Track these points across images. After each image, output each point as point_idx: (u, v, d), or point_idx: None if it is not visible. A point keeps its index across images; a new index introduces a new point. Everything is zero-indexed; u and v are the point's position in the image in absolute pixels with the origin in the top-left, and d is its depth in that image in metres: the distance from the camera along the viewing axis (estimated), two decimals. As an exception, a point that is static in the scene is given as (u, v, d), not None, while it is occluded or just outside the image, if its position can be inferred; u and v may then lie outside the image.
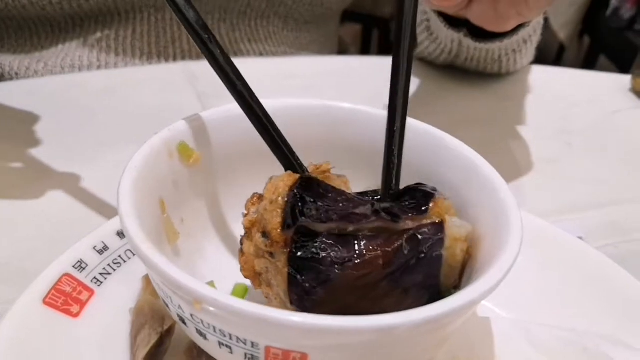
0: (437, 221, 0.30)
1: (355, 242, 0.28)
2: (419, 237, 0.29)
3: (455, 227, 0.30)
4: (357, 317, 0.24)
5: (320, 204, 0.29)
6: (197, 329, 0.28)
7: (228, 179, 0.38)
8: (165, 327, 0.33)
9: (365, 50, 1.38)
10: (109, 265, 0.37)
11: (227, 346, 0.27)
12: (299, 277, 0.28)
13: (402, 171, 0.35)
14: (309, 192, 0.30)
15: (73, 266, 0.36)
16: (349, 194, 0.32)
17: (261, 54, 0.81)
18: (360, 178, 0.36)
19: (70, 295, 0.35)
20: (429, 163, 0.37)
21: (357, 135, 0.39)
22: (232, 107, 0.37)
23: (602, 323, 0.37)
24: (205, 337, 0.28)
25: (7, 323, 0.32)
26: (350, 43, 1.04)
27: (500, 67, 0.71)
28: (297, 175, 0.31)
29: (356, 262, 0.28)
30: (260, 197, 0.32)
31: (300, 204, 0.29)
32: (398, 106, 0.34)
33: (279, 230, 0.29)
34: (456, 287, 0.31)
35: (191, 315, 0.27)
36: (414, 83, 0.72)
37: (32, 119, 0.59)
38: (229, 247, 0.38)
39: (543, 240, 0.41)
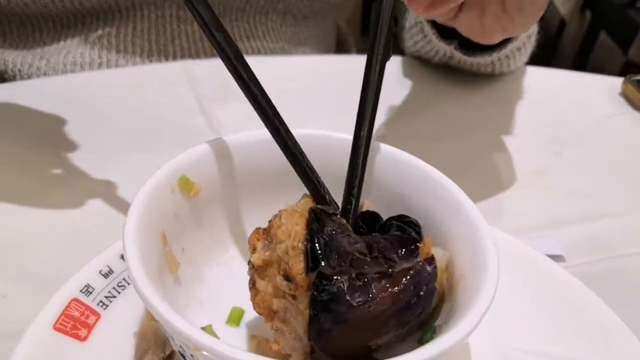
0: (430, 256, 0.33)
1: (368, 285, 0.31)
2: (420, 276, 0.32)
3: (440, 260, 0.34)
4: None
5: (334, 245, 0.32)
6: None
7: (227, 208, 0.40)
8: (167, 352, 0.36)
9: (364, 31, 1.38)
10: (114, 288, 0.40)
11: (226, 383, 0.30)
12: (320, 318, 0.31)
13: (385, 199, 0.38)
14: (322, 233, 0.32)
15: (80, 291, 0.39)
16: (347, 226, 0.35)
17: (259, 51, 0.83)
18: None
19: (78, 320, 0.38)
20: (410, 194, 0.39)
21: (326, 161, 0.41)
22: (232, 138, 0.39)
23: (576, 348, 0.39)
24: None
25: (21, 350, 0.35)
26: (348, 33, 1.04)
27: (494, 70, 0.72)
28: (306, 215, 0.34)
29: (371, 304, 0.31)
30: (265, 232, 0.34)
31: (318, 248, 0.32)
32: (362, 138, 0.37)
33: (303, 275, 0.31)
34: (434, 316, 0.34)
35: (192, 355, 0.30)
36: (407, 83, 0.73)
37: (34, 120, 0.61)
38: (227, 273, 0.40)
39: (520, 263, 0.44)
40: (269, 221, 0.35)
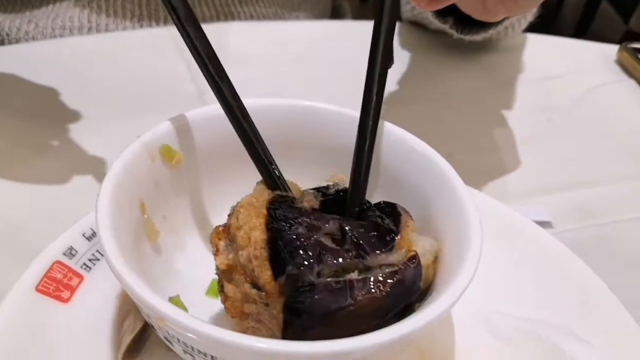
0: (412, 254, 0.32)
1: (346, 289, 0.30)
2: (403, 282, 0.31)
3: (426, 255, 0.32)
4: (311, 342, 0.26)
5: (297, 242, 0.31)
6: (164, 336, 0.30)
7: (210, 177, 0.40)
8: (149, 315, 0.36)
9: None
10: (97, 250, 0.40)
11: (190, 354, 0.30)
12: (295, 322, 0.30)
13: (374, 175, 0.37)
14: (283, 232, 0.31)
15: (63, 253, 0.39)
16: (314, 214, 0.33)
17: (252, 16, 0.81)
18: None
19: (61, 282, 0.38)
20: (400, 168, 0.38)
21: (328, 136, 0.40)
22: (215, 107, 0.38)
23: (558, 314, 0.39)
24: (171, 343, 0.30)
25: (3, 310, 0.35)
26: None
27: (491, 40, 0.71)
28: (264, 211, 0.32)
29: (349, 309, 0.30)
30: (225, 231, 0.33)
31: (281, 250, 0.30)
32: (367, 127, 0.36)
33: (272, 283, 0.30)
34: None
35: (159, 326, 0.30)
36: (401, 49, 0.72)
37: (21, 86, 0.60)
38: (209, 242, 0.40)
39: (507, 229, 0.44)
40: (228, 215, 0.34)
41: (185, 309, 0.34)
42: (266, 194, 0.33)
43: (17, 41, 0.73)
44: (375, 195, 0.39)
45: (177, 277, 0.38)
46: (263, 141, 0.36)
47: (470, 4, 0.48)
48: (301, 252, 0.30)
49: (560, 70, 0.72)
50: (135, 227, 0.34)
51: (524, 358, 0.37)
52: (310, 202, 0.35)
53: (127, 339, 0.35)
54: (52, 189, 0.49)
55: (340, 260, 0.30)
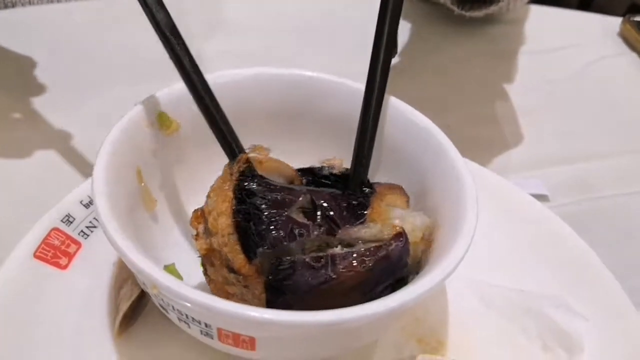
0: (399, 230, 0.31)
1: (329, 265, 0.30)
2: (390, 257, 0.31)
3: (416, 231, 0.32)
4: (300, 312, 0.27)
5: (266, 222, 0.31)
6: (159, 303, 0.31)
7: (207, 146, 0.39)
8: (147, 282, 0.36)
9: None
10: (95, 218, 0.40)
11: (184, 322, 0.30)
12: (277, 300, 0.30)
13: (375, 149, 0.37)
14: (250, 215, 0.31)
15: (61, 220, 0.39)
16: (284, 189, 0.33)
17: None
18: (328, 149, 0.38)
19: (59, 249, 0.38)
20: (399, 141, 0.38)
21: (330, 108, 0.40)
22: (212, 77, 0.38)
23: (551, 286, 0.40)
24: (166, 311, 0.31)
25: (1, 277, 0.35)
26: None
27: (493, 20, 0.71)
28: (230, 193, 0.32)
29: (331, 284, 0.29)
30: (202, 214, 0.33)
31: (251, 233, 0.30)
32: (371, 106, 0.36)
33: (246, 266, 0.30)
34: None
35: (152, 293, 0.30)
36: (403, 23, 0.71)
37: (15, 55, 0.60)
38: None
39: (502, 201, 0.44)
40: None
41: (180, 277, 0.34)
42: (234, 175, 0.33)
43: (13, 5, 0.72)
44: (374, 170, 0.39)
45: (174, 246, 0.38)
46: (225, 117, 0.35)
47: None
48: (272, 231, 0.30)
49: (563, 43, 0.71)
50: (132, 194, 0.34)
51: (516, 328, 0.38)
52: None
53: (124, 306, 0.35)
54: (46, 155, 0.49)
55: (315, 233, 0.31)
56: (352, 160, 0.36)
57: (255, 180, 0.33)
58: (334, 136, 0.40)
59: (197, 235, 0.32)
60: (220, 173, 0.34)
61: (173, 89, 0.38)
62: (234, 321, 0.27)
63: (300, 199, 0.32)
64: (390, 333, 0.37)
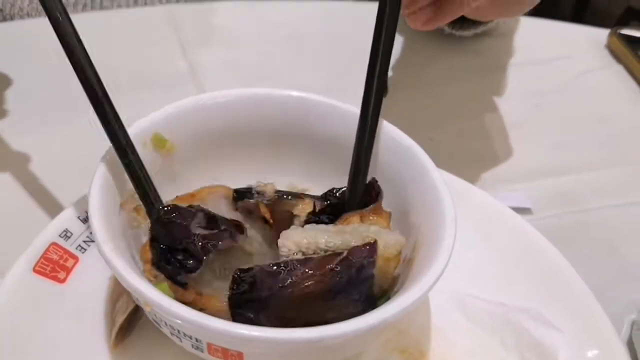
0: (369, 241, 0.33)
1: (290, 270, 0.31)
2: (352, 259, 0.32)
3: (389, 247, 0.34)
4: (285, 330, 0.28)
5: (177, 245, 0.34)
6: (152, 318, 0.33)
7: (201, 165, 0.41)
8: (141, 295, 0.38)
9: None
10: (92, 233, 0.41)
11: (176, 336, 0.32)
12: (241, 313, 0.31)
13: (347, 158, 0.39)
14: (162, 249, 0.34)
15: (59, 235, 0.40)
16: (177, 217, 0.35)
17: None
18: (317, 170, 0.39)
19: (57, 263, 0.39)
20: (384, 161, 0.40)
21: (320, 128, 0.42)
22: (208, 96, 0.40)
23: (529, 298, 0.41)
24: (159, 325, 0.33)
25: (1, 291, 0.37)
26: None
27: (482, 34, 0.72)
28: (148, 248, 0.35)
29: (289, 290, 0.31)
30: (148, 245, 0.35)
31: (171, 260, 0.34)
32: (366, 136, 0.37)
33: (184, 293, 0.33)
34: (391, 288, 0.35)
35: (145, 309, 0.32)
36: (396, 38, 0.73)
37: (14, 63, 0.61)
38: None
39: (482, 215, 0.46)
40: None
41: (171, 295, 0.35)
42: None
43: (12, 18, 0.74)
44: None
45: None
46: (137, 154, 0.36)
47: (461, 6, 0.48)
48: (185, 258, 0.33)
49: (550, 55, 0.73)
50: (127, 213, 0.36)
51: (496, 340, 0.40)
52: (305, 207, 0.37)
53: (120, 319, 0.37)
54: (45, 165, 0.50)
55: (226, 236, 0.33)
56: (349, 182, 0.37)
57: (158, 225, 0.35)
58: (323, 156, 0.41)
59: (144, 270, 0.35)
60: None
61: (166, 109, 0.39)
62: (222, 337, 0.29)
63: (196, 218, 0.34)
64: (375, 347, 0.38)
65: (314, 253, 0.33)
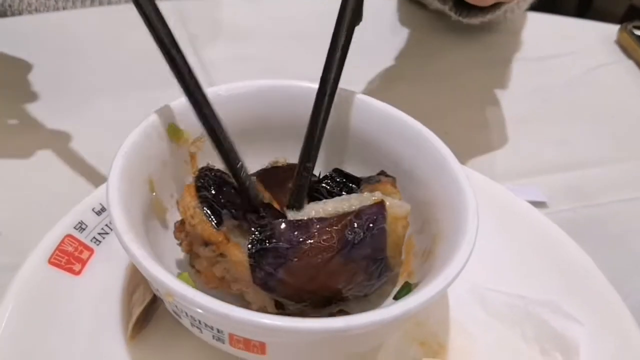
0: (377, 201, 0.34)
1: (307, 225, 0.32)
2: (364, 215, 0.33)
3: (395, 207, 0.34)
4: (309, 319, 0.28)
5: (222, 195, 0.34)
6: (172, 310, 0.32)
7: (215, 155, 0.41)
8: (158, 287, 0.38)
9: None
10: (106, 225, 0.41)
11: (197, 327, 0.31)
12: (260, 264, 0.32)
13: (369, 153, 0.40)
14: (210, 189, 0.34)
15: (74, 227, 0.40)
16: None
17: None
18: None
19: (72, 255, 0.39)
20: (397, 149, 0.40)
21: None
22: (221, 88, 0.39)
23: (548, 291, 0.41)
24: (179, 317, 0.32)
25: (17, 282, 0.36)
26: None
27: (491, 28, 0.72)
28: (192, 187, 0.35)
29: (309, 242, 0.32)
30: (181, 223, 0.35)
31: (214, 201, 0.33)
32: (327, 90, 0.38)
33: (214, 232, 0.32)
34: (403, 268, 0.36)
35: (166, 300, 0.31)
36: (399, 27, 0.73)
37: (17, 63, 0.60)
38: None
39: (500, 208, 0.45)
40: None
41: (193, 285, 0.35)
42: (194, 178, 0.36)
43: (20, 13, 0.73)
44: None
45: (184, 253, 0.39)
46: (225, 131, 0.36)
47: None
48: (229, 202, 0.34)
49: (560, 50, 0.73)
50: (145, 203, 0.36)
51: (515, 333, 0.39)
52: None
53: (137, 310, 0.36)
54: (60, 159, 0.50)
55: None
56: (304, 142, 0.37)
57: (212, 173, 0.36)
58: (337, 146, 0.41)
59: (180, 242, 0.35)
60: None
61: (182, 101, 0.39)
62: (245, 327, 0.29)
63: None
64: (393, 338, 0.38)
65: None
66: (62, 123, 0.54)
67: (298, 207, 0.35)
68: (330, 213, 0.34)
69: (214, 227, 0.33)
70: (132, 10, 0.73)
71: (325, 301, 0.34)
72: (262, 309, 0.33)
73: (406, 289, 0.35)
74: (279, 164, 0.40)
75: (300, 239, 0.32)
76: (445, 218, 0.36)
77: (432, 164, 0.38)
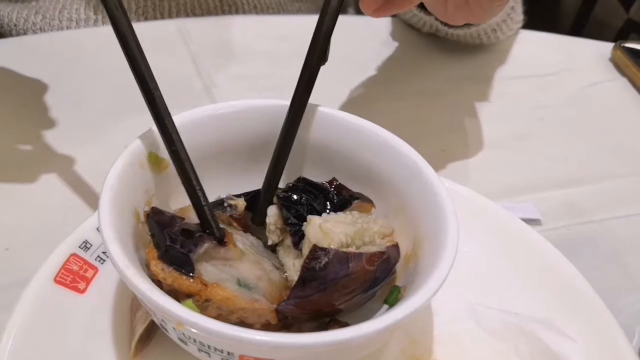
0: (395, 243, 0.37)
1: (347, 259, 0.34)
2: (391, 257, 0.36)
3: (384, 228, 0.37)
4: (318, 333, 0.29)
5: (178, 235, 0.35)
6: (178, 337, 0.33)
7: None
8: (161, 305, 0.39)
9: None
10: (110, 259, 0.42)
11: (205, 352, 0.32)
12: (306, 286, 0.33)
13: (351, 169, 0.42)
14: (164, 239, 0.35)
15: (79, 246, 0.41)
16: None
17: (255, 7, 0.83)
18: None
19: (77, 274, 0.40)
20: (374, 162, 0.41)
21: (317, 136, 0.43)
22: (197, 112, 0.40)
23: (543, 309, 0.42)
24: (185, 343, 0.33)
25: (24, 300, 0.37)
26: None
27: (482, 41, 0.73)
28: (151, 247, 0.35)
29: (351, 277, 0.34)
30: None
31: (174, 249, 0.35)
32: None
33: (191, 284, 0.34)
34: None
35: (173, 328, 0.32)
36: (393, 45, 0.74)
37: (25, 77, 0.62)
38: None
39: (494, 226, 0.46)
40: None
41: (198, 311, 0.35)
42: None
43: (25, 32, 0.75)
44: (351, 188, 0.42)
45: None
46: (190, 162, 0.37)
47: (432, 6, 0.50)
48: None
49: (555, 68, 0.74)
50: (134, 234, 0.36)
51: (509, 350, 0.40)
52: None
53: (140, 328, 0.37)
54: (63, 177, 0.51)
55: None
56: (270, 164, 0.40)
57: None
58: (320, 164, 0.43)
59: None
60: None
61: (154, 129, 0.39)
62: (259, 348, 0.30)
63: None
64: (389, 355, 0.39)
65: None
66: (68, 142, 0.55)
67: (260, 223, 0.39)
68: (338, 234, 0.36)
69: (189, 278, 0.33)
70: (136, 30, 0.75)
71: (323, 314, 0.36)
72: (265, 326, 0.34)
73: (395, 292, 0.37)
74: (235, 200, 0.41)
75: (342, 274, 0.33)
76: (423, 220, 0.37)
77: (402, 169, 0.40)
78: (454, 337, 0.41)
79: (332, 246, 0.34)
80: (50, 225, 0.46)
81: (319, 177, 0.42)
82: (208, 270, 0.34)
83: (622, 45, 0.75)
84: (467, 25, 0.64)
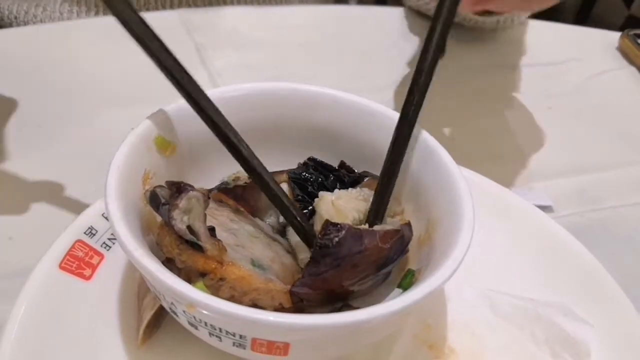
0: (407, 221, 0.36)
1: (361, 236, 0.33)
2: (405, 235, 0.35)
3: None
4: (333, 315, 0.28)
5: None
6: (188, 322, 0.32)
7: (203, 163, 0.40)
8: (168, 292, 0.38)
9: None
10: (118, 241, 0.41)
11: (216, 336, 0.31)
12: (321, 261, 0.32)
13: (359, 152, 0.41)
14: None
15: (84, 232, 0.40)
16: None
17: (257, -3, 0.82)
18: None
19: (82, 260, 0.39)
20: (385, 145, 0.39)
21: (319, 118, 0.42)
22: (209, 94, 0.39)
23: (558, 294, 0.41)
24: (196, 328, 0.32)
25: (29, 287, 0.36)
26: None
27: (497, 25, 0.72)
28: (163, 222, 0.34)
29: (365, 254, 0.33)
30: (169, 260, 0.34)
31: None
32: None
33: (206, 261, 0.32)
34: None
35: (183, 311, 0.31)
36: (405, 35, 0.73)
37: (25, 68, 0.61)
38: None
39: (509, 212, 0.46)
40: None
41: (210, 293, 0.34)
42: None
43: (25, 24, 0.74)
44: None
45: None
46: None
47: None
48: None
49: (563, 57, 0.73)
50: (141, 217, 0.35)
51: (526, 336, 0.39)
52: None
53: (148, 315, 0.36)
54: (66, 166, 0.51)
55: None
56: (379, 182, 0.38)
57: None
58: (317, 144, 0.42)
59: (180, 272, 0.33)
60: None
61: (165, 111, 0.38)
62: (273, 330, 0.29)
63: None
64: (403, 341, 0.38)
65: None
66: (72, 130, 0.54)
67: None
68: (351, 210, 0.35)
69: (204, 255, 0.32)
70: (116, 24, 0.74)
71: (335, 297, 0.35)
72: (279, 309, 0.33)
73: (410, 276, 0.36)
74: (240, 181, 0.40)
75: (356, 251, 0.32)
76: (438, 203, 0.36)
77: (415, 151, 0.39)
78: (468, 323, 0.40)
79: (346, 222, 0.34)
80: (56, 212, 0.46)
81: (328, 160, 0.42)
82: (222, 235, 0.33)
83: (629, 33, 0.74)
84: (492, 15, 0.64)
